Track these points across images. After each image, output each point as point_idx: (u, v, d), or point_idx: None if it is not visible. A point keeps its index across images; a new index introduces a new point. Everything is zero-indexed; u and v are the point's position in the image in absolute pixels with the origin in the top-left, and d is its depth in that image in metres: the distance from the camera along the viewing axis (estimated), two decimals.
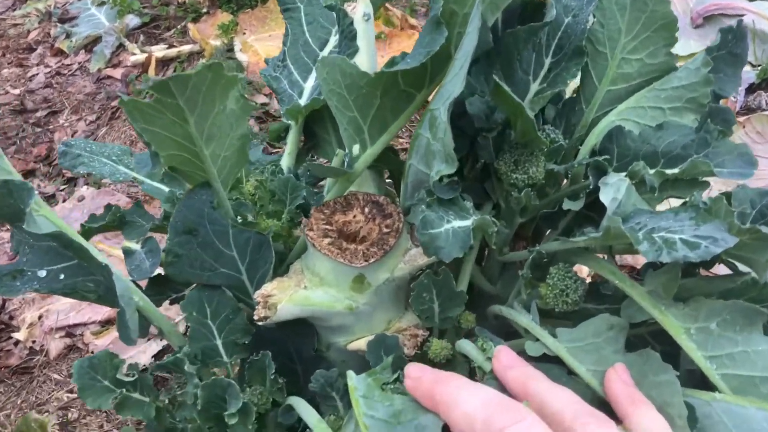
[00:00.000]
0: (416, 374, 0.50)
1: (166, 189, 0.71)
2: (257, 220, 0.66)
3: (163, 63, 1.77)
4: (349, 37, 0.69)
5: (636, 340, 0.59)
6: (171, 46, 1.82)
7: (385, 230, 0.58)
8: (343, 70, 0.57)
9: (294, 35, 0.76)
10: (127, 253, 0.68)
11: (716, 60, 0.60)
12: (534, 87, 0.61)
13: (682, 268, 0.61)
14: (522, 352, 0.57)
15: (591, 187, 0.54)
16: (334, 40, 0.75)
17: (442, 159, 0.52)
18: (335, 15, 0.69)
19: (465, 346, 0.58)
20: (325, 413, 0.56)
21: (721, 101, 0.63)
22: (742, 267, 0.54)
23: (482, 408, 0.40)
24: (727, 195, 0.57)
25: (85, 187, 1.51)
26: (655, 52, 0.59)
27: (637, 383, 0.51)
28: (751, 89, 1.76)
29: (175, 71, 1.72)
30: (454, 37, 0.56)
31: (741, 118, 1.68)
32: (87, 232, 0.69)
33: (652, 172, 0.54)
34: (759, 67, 1.78)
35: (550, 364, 0.56)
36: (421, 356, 0.60)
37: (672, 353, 0.55)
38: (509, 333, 0.62)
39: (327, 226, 0.59)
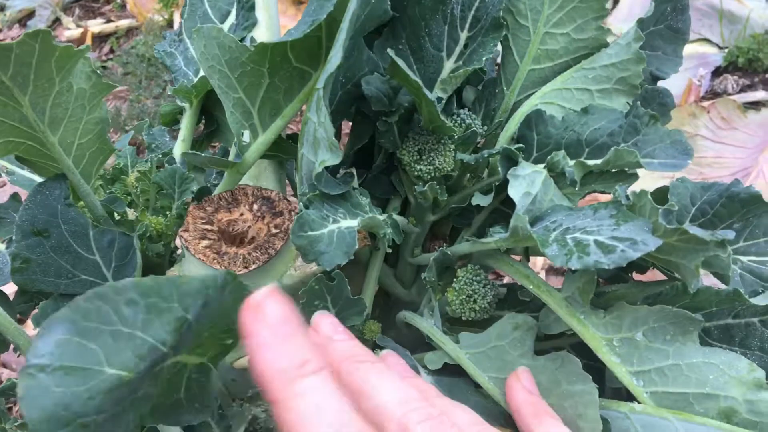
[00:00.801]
0: (326, 331, 0.38)
1: (39, 180, 0.62)
2: (140, 218, 0.58)
3: (100, 39, 1.65)
4: (246, 7, 0.61)
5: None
6: (109, 20, 1.70)
7: (274, 231, 0.51)
8: (221, 42, 0.48)
9: (192, 5, 0.67)
10: None
11: (652, 36, 0.53)
12: (449, 65, 0.53)
13: (612, 273, 0.54)
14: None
15: (502, 179, 0.47)
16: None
17: (326, 147, 0.44)
18: None
19: None
20: None
21: (659, 82, 0.56)
22: None
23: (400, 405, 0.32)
24: (664, 189, 0.51)
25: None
26: (584, 26, 0.52)
27: (547, 392, 0.45)
28: (717, 72, 1.71)
29: (111, 48, 1.61)
30: None
31: (706, 103, 1.62)
32: None
33: (572, 163, 0.47)
34: (726, 50, 1.72)
35: (455, 377, 0.49)
36: None
37: (597, 368, 0.49)
38: (427, 343, 0.55)
39: (207, 226, 0.51)
